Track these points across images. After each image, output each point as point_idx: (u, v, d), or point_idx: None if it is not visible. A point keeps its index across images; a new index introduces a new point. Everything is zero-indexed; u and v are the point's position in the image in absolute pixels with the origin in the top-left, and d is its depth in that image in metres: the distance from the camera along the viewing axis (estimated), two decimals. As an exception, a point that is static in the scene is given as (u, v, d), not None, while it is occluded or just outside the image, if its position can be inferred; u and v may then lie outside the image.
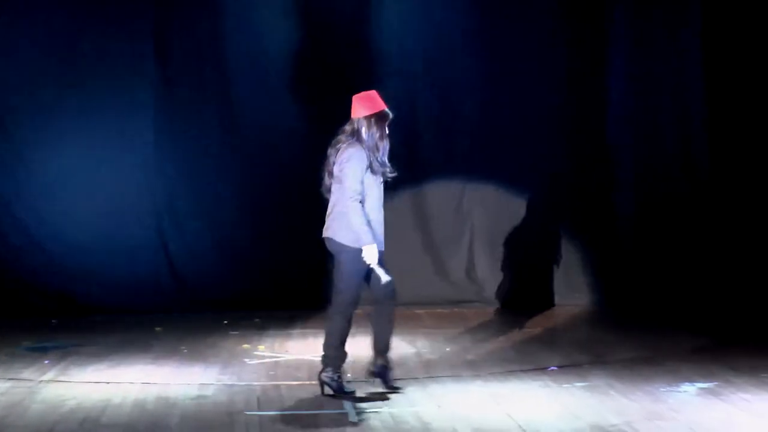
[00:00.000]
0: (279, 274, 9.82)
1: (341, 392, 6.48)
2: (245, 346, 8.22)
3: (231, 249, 9.92)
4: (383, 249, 6.44)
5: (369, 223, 6.32)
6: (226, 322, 9.17)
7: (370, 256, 6.32)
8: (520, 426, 5.83)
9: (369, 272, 6.42)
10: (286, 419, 6.10)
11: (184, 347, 8.17)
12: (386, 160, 6.41)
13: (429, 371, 7.28)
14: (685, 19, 9.93)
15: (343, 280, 6.45)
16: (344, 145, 6.40)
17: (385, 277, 6.33)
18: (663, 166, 9.98)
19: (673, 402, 6.33)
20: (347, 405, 6.32)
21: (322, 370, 6.51)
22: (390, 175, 6.42)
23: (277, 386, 6.90)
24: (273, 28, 9.84)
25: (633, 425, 5.79)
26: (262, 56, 9.90)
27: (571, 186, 10.02)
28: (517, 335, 8.53)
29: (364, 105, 6.38)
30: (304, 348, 8.13)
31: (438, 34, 10.02)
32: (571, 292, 9.94)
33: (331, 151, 6.46)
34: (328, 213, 6.48)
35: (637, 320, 9.17)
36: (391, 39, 9.93)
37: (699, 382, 6.79)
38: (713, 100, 9.91)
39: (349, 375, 6.72)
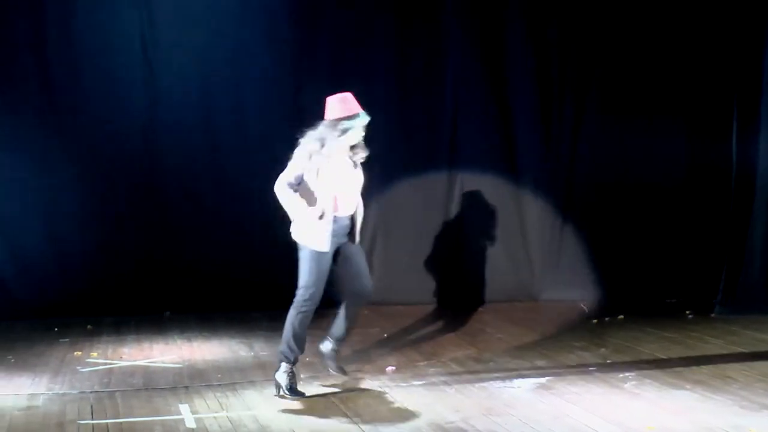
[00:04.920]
0: (111, 279, 9.57)
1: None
2: (77, 353, 7.99)
3: (59, 253, 9.58)
4: None
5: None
6: (56, 329, 8.89)
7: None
8: (359, 427, 5.87)
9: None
10: (121, 427, 5.97)
11: (11, 357, 7.87)
12: None
13: (266, 374, 7.23)
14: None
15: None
16: None
17: None
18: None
19: (507, 397, 6.49)
20: (184, 410, 6.23)
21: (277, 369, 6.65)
22: None
23: (112, 394, 6.74)
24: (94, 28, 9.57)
25: (469, 422, 5.91)
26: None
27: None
28: (353, 336, 8.56)
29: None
30: (139, 354, 7.97)
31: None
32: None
33: None
34: None
35: (463, 319, 9.37)
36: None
37: (531, 377, 6.99)
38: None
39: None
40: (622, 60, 10.16)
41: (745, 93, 9.47)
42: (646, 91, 10.16)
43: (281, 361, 6.65)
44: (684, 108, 10.21)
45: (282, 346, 6.67)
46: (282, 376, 6.61)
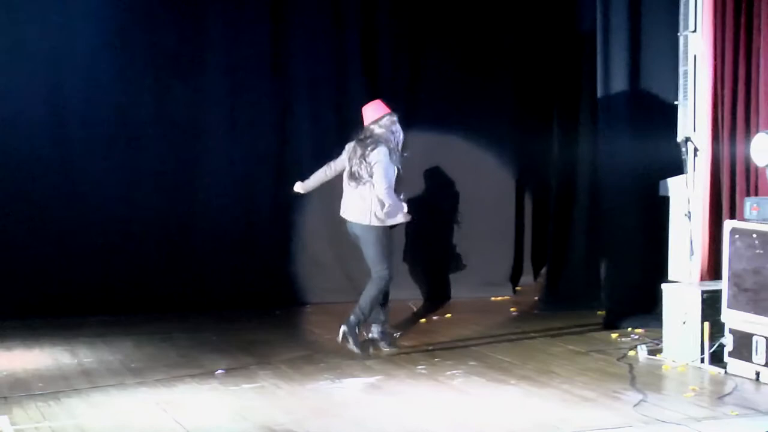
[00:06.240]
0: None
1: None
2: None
3: None
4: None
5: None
6: None
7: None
8: (188, 431, 5.77)
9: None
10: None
11: None
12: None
13: (91, 381, 7.03)
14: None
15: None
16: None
17: None
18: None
19: (338, 398, 6.51)
20: (3, 422, 5.99)
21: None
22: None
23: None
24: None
25: (300, 423, 5.90)
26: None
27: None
28: (182, 340, 8.43)
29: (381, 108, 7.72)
30: (7, 362, 7.58)
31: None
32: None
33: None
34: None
35: (293, 320, 9.35)
36: None
37: (361, 377, 7.03)
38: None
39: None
40: (449, 62, 10.34)
41: (565, 99, 9.79)
42: (474, 92, 10.36)
43: (358, 320, 7.66)
44: (512, 110, 10.47)
45: (358, 310, 7.69)
46: (353, 331, 7.60)
